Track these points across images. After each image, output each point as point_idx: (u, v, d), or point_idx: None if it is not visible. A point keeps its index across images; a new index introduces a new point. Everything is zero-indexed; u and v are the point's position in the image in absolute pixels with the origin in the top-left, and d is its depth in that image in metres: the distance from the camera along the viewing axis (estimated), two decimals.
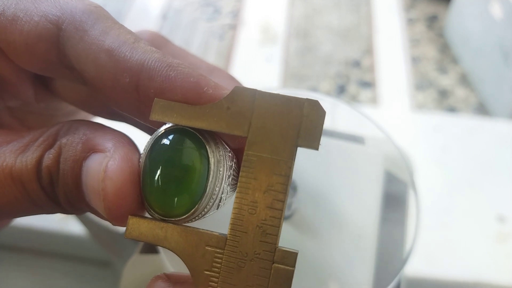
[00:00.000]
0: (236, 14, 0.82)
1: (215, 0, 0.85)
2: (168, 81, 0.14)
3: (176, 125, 0.14)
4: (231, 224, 0.13)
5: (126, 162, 0.14)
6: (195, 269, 0.13)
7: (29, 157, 0.15)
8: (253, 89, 0.13)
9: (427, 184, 0.43)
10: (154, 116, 0.14)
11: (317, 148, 0.13)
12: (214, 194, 0.14)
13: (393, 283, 0.20)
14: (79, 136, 0.15)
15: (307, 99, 0.13)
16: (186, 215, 0.14)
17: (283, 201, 0.13)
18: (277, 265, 0.13)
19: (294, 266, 0.13)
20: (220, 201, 0.14)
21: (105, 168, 0.14)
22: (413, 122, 0.52)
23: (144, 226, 0.14)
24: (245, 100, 0.13)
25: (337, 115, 0.26)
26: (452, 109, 0.66)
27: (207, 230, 0.14)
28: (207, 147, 0.14)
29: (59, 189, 0.15)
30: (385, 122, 0.26)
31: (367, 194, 0.23)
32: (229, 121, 0.13)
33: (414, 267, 0.39)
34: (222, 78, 0.19)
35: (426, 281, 0.39)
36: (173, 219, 0.14)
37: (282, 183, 0.13)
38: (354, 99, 0.68)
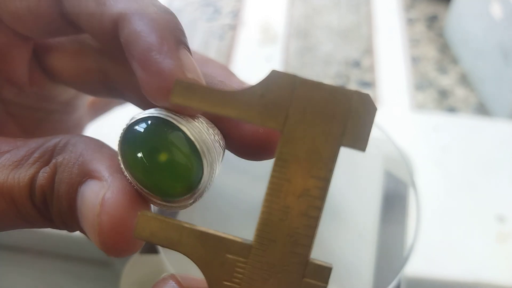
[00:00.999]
0: (236, 14, 0.82)
1: (215, 0, 0.85)
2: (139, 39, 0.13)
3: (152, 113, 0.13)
4: (257, 230, 0.12)
5: (124, 195, 0.13)
6: (213, 279, 0.12)
7: (22, 174, 0.14)
8: (293, 75, 0.12)
9: (427, 184, 0.43)
10: (174, 99, 0.12)
11: (364, 150, 0.12)
12: (211, 174, 0.13)
13: (393, 283, 0.20)
14: (75, 156, 0.14)
15: (356, 91, 0.11)
16: (188, 195, 0.13)
17: (320, 208, 0.12)
18: (307, 279, 0.12)
19: (327, 283, 0.12)
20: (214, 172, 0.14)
21: (102, 201, 0.13)
22: (413, 122, 0.52)
23: (155, 226, 0.12)
24: (283, 88, 0.12)
25: None
26: (452, 109, 0.66)
27: (229, 235, 0.12)
28: (196, 144, 0.13)
29: (53, 209, 0.14)
30: (385, 122, 0.26)
31: (367, 194, 0.23)
32: (262, 111, 0.12)
33: (414, 267, 0.39)
34: (216, 69, 0.19)
35: (426, 281, 0.39)
36: (175, 200, 0.13)
37: (321, 187, 0.11)
38: None
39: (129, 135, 0.13)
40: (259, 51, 0.73)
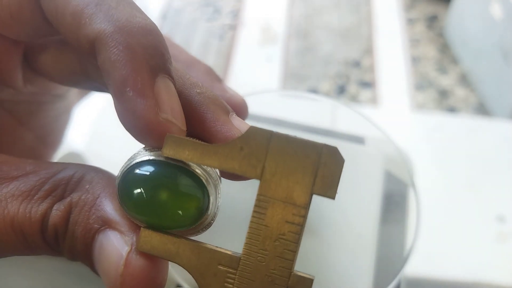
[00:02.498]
0: (236, 14, 0.82)
1: (215, 0, 0.85)
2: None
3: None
4: (239, 271, 0.13)
5: (148, 255, 0.13)
6: None
7: (33, 209, 0.14)
8: (269, 130, 0.13)
9: (427, 184, 0.43)
10: (166, 152, 0.13)
11: (333, 198, 0.12)
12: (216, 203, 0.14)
13: (393, 283, 0.20)
14: (92, 198, 0.14)
15: (325, 145, 0.13)
16: (194, 226, 0.13)
17: (294, 252, 0.13)
18: None
19: None
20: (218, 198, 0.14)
21: (126, 262, 0.13)
22: (413, 122, 0.52)
23: (156, 240, 0.13)
24: (260, 142, 0.13)
25: (337, 117, 0.26)
26: (452, 109, 0.66)
27: (220, 248, 0.13)
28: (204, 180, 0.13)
29: (65, 246, 0.14)
30: (385, 122, 0.26)
31: (367, 194, 0.23)
32: (242, 162, 0.13)
33: (414, 267, 0.39)
34: (200, 73, 0.19)
35: (426, 281, 0.39)
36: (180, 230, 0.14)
37: (295, 232, 0.13)
38: (354, 99, 0.68)
39: (130, 179, 0.13)
40: (259, 51, 0.73)
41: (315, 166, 0.13)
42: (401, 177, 0.25)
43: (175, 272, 0.20)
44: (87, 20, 0.14)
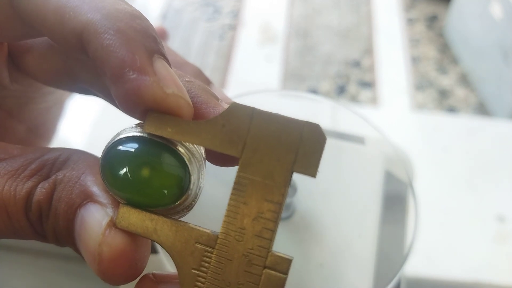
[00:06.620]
0: (236, 14, 0.82)
1: (215, 0, 0.85)
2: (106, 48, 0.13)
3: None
4: (216, 249, 0.13)
5: (128, 232, 0.13)
6: (182, 267, 0.13)
7: (18, 187, 0.14)
8: (251, 107, 0.13)
9: (427, 184, 0.43)
10: (148, 128, 0.13)
11: (314, 176, 0.12)
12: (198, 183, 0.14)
13: (393, 283, 0.20)
14: (77, 174, 0.14)
15: (307, 122, 0.12)
16: (174, 205, 0.13)
17: (273, 230, 0.12)
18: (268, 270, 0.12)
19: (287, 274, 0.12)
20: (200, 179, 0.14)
21: (104, 232, 0.13)
22: (413, 122, 0.52)
23: (134, 217, 0.13)
24: (241, 119, 0.13)
25: (336, 118, 0.26)
26: (452, 109, 0.66)
27: (198, 226, 0.13)
28: (185, 160, 0.13)
29: (48, 226, 0.14)
30: (385, 122, 0.26)
31: (367, 194, 0.23)
32: (223, 139, 0.13)
33: (414, 267, 0.39)
34: (189, 74, 0.19)
35: (426, 281, 0.39)
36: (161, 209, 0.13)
37: (274, 211, 0.12)
38: (354, 99, 0.69)
39: (113, 154, 0.13)
40: (259, 51, 0.73)
41: (296, 143, 0.12)
42: (401, 177, 0.25)
43: (168, 262, 0.20)
44: (71, 13, 0.13)
